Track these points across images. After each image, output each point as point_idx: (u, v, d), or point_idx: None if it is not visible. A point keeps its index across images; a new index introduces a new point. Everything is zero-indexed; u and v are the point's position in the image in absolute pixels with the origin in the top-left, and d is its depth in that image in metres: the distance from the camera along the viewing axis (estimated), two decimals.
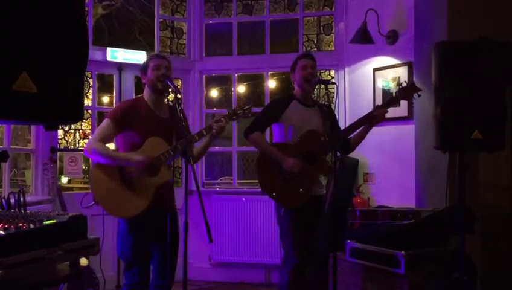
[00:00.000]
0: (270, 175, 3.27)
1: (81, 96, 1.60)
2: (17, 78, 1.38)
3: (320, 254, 3.43)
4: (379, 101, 4.37)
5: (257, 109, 3.66)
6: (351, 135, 3.36)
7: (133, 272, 2.91)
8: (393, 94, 3.74)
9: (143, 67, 3.04)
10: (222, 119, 3.01)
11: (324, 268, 3.57)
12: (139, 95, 3.13)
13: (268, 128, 3.55)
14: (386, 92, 4.36)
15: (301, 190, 3.27)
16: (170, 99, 3.12)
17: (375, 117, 3.25)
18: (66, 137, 6.83)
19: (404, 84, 3.38)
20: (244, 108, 3.10)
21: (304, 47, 5.25)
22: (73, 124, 5.06)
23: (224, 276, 5.08)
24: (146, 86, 3.03)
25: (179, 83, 5.23)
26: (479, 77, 2.96)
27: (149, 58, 3.08)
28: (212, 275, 5.10)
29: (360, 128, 3.30)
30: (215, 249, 5.02)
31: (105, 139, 2.91)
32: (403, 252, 3.25)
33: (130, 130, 2.92)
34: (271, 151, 3.31)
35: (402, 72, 4.21)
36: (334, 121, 3.49)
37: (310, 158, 3.27)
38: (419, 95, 3.35)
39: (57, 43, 1.50)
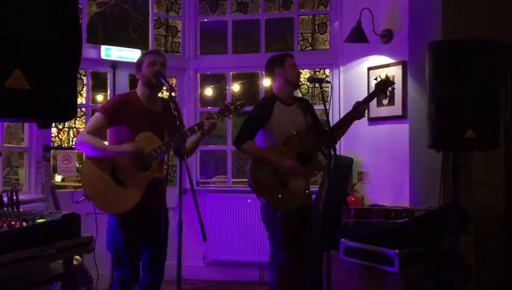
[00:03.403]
0: (265, 179, 3.25)
1: (74, 94, 1.60)
2: (9, 75, 1.37)
3: (314, 253, 3.43)
4: (373, 100, 4.38)
5: (251, 108, 3.64)
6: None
7: (124, 268, 2.90)
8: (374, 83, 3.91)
9: (138, 63, 3.03)
10: (214, 115, 3.01)
11: (318, 267, 3.58)
12: (132, 90, 3.12)
13: None
14: None
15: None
16: (165, 97, 3.12)
17: (357, 114, 3.35)
18: (59, 135, 6.80)
19: (379, 79, 3.58)
20: (236, 103, 3.10)
21: (299, 46, 5.25)
22: (66, 122, 5.02)
23: (218, 275, 5.07)
24: (140, 81, 3.02)
25: (173, 82, 5.21)
26: (473, 76, 2.97)
27: (144, 54, 3.07)
28: (207, 273, 5.09)
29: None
30: (210, 247, 5.01)
31: (96, 133, 2.89)
32: (396, 251, 3.26)
33: (122, 124, 2.91)
34: (266, 156, 3.28)
35: (396, 71, 4.22)
36: (314, 115, 3.49)
37: (303, 159, 3.27)
38: (393, 88, 3.58)
39: (50, 41, 1.49)
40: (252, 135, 3.33)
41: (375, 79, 3.65)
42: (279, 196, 3.23)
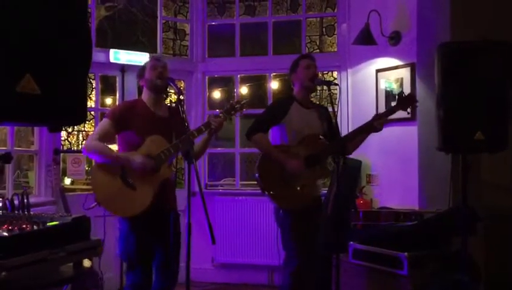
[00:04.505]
0: (271, 176, 3.26)
1: (84, 97, 1.61)
2: (20, 79, 1.38)
3: (323, 255, 3.42)
4: (382, 102, 4.37)
5: (259, 111, 3.66)
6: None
7: (135, 273, 2.91)
8: (397, 97, 3.77)
9: (140, 71, 3.09)
10: (220, 114, 3.04)
11: (327, 270, 3.57)
12: (139, 97, 3.17)
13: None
14: (388, 93, 4.35)
15: (302, 189, 3.26)
16: (173, 101, 3.15)
17: (374, 127, 3.27)
18: (69, 138, 6.83)
19: (403, 95, 3.43)
20: (242, 102, 3.14)
21: (307, 48, 5.25)
22: (76, 125, 5.04)
23: (227, 277, 5.08)
24: (144, 87, 3.07)
25: (181, 85, 5.23)
26: (481, 78, 2.96)
27: (146, 62, 3.13)
28: (215, 276, 5.10)
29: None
30: (218, 250, 5.01)
31: (104, 138, 2.93)
32: (406, 253, 3.24)
33: (129, 129, 2.94)
34: (274, 153, 3.30)
35: (405, 73, 4.21)
36: (330, 123, 3.48)
37: (311, 162, 3.27)
38: (416, 106, 3.41)
39: (60, 45, 1.50)
40: (265, 129, 3.36)
41: (398, 94, 3.58)
42: (283, 194, 3.23)
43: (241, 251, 4.99)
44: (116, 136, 3.03)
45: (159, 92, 3.04)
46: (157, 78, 2.96)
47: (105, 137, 2.94)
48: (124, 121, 2.94)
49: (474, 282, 3.28)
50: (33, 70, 1.42)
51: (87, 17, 1.66)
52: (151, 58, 3.23)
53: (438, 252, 3.39)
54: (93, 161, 3.03)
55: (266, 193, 3.27)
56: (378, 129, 3.27)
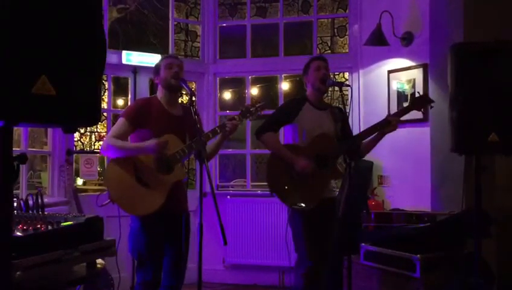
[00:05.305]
0: (279, 175, 3.26)
1: (98, 98, 1.62)
2: (36, 81, 1.40)
3: (335, 257, 3.41)
4: (394, 103, 4.36)
5: (270, 112, 3.66)
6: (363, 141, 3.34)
7: (146, 271, 2.92)
8: (409, 98, 3.75)
9: (155, 68, 3.09)
10: (236, 117, 3.04)
11: (338, 271, 3.56)
12: (153, 95, 3.17)
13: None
14: (400, 94, 4.33)
15: (311, 190, 3.26)
16: (185, 102, 3.15)
17: (387, 126, 3.25)
18: (81, 139, 6.88)
19: (417, 95, 3.40)
20: (257, 105, 3.13)
21: (318, 49, 5.24)
22: (91, 126, 5.06)
23: (237, 278, 5.08)
24: (159, 85, 3.08)
25: (193, 86, 5.25)
26: (495, 79, 2.93)
27: (161, 59, 3.14)
28: (226, 277, 5.10)
29: (372, 136, 3.29)
30: (229, 251, 5.02)
31: (120, 137, 2.95)
32: (418, 255, 3.23)
33: (144, 128, 2.96)
34: (283, 152, 3.30)
35: (417, 74, 4.19)
36: (345, 124, 3.45)
37: (321, 162, 3.26)
38: (431, 107, 3.36)
39: (75, 46, 1.51)
40: (275, 128, 3.38)
41: (413, 94, 3.57)
42: (290, 193, 3.23)
43: (252, 252, 4.99)
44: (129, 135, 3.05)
45: (174, 91, 3.05)
46: (171, 78, 2.98)
47: (122, 137, 2.96)
48: (139, 120, 2.96)
49: (487, 284, 3.25)
50: (48, 71, 1.43)
51: (102, 18, 1.67)
52: (167, 56, 3.22)
53: (451, 255, 3.37)
54: (106, 160, 3.04)
55: (274, 192, 3.26)
56: (391, 129, 3.25)
